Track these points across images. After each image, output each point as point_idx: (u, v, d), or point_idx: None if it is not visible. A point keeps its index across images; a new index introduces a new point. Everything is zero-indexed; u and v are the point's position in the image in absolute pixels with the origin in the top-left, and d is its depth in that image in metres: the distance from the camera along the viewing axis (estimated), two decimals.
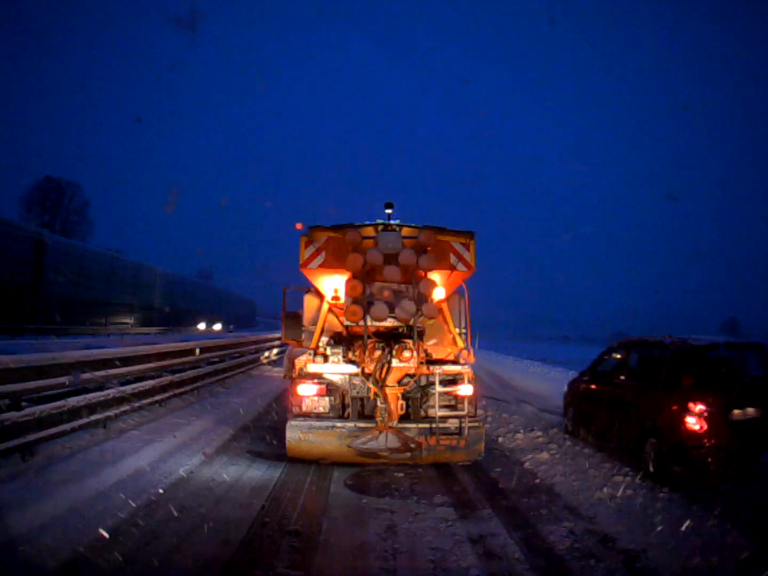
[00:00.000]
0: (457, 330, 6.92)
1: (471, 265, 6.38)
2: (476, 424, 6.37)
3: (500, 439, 8.37)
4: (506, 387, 14.98)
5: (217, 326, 39.80)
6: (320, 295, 6.99)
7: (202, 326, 38.99)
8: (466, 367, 6.54)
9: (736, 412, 6.08)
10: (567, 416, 8.85)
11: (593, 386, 8.30)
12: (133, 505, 4.93)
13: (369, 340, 6.18)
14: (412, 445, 6.08)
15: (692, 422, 5.98)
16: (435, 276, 6.29)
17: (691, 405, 6.02)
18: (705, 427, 5.95)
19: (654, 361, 7.08)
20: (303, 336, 7.44)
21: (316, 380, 6.52)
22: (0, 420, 5.28)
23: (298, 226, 6.27)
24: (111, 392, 7.39)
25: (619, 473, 6.22)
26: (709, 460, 5.94)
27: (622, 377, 7.64)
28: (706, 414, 5.97)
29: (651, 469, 6.32)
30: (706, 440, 5.95)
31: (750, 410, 6.12)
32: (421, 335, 6.42)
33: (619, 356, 8.03)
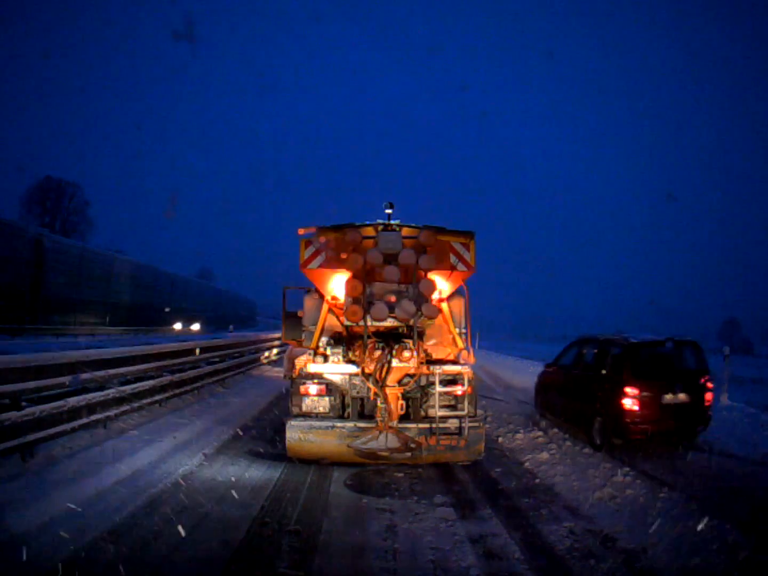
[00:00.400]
0: (457, 330, 6.92)
1: (471, 265, 6.38)
2: (476, 424, 6.36)
3: (500, 439, 8.37)
4: (506, 387, 15.00)
5: (195, 326, 35.85)
6: (320, 295, 6.99)
7: (178, 326, 34.98)
8: (466, 367, 6.54)
9: (668, 396, 7.45)
10: (537, 401, 10.28)
11: (556, 376, 9.69)
12: (133, 505, 4.94)
13: (369, 340, 6.18)
14: (412, 445, 6.08)
15: (628, 404, 7.38)
16: (435, 276, 6.29)
17: (627, 390, 7.41)
18: (639, 408, 7.35)
19: (603, 355, 8.34)
20: (303, 336, 7.45)
21: (316, 380, 6.52)
22: (0, 420, 5.28)
23: (301, 231, 6.26)
24: (111, 392, 7.39)
25: (618, 473, 6.22)
26: (643, 434, 7.35)
27: (578, 368, 8.95)
28: (639, 397, 7.37)
29: (598, 442, 7.72)
30: (640, 418, 7.36)
31: (681, 395, 7.49)
32: (421, 335, 6.43)
33: (576, 351, 9.31)
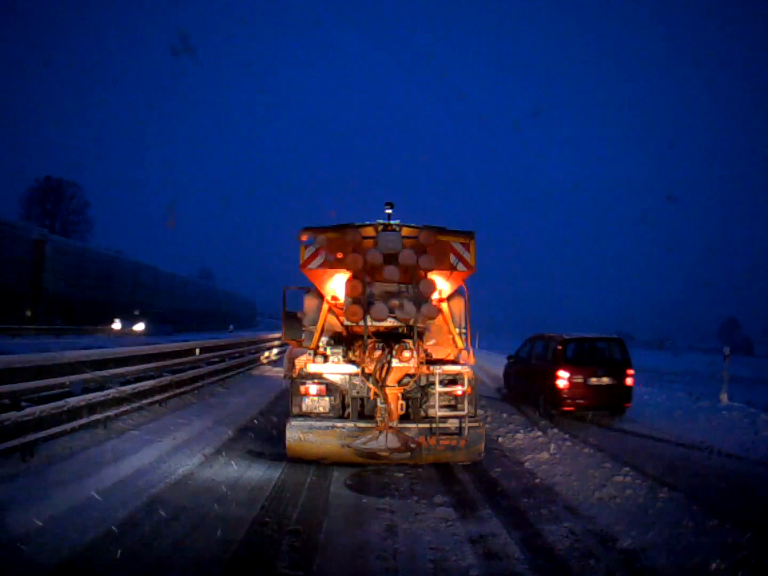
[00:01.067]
0: (457, 330, 6.92)
1: (471, 265, 6.37)
2: (476, 424, 6.36)
3: (500, 439, 8.37)
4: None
5: (139, 326, 29.07)
6: (320, 295, 6.99)
7: (117, 326, 28.46)
8: (466, 367, 6.54)
9: (593, 379, 9.81)
10: (504, 384, 13.15)
11: (515, 365, 12.35)
12: (133, 505, 4.94)
13: (369, 340, 6.18)
14: (412, 445, 6.08)
15: (561, 384, 9.76)
16: (435, 276, 6.28)
17: (559, 373, 9.81)
18: (569, 387, 9.73)
19: (546, 348, 10.85)
20: (303, 336, 7.44)
21: (316, 380, 6.52)
22: (0, 420, 5.28)
23: (303, 237, 6.24)
24: (111, 392, 7.39)
25: (618, 473, 6.22)
26: (573, 407, 9.87)
27: (530, 358, 11.47)
28: (569, 379, 9.73)
29: (541, 412, 10.25)
30: (570, 395, 9.77)
31: (605, 379, 9.87)
32: (421, 335, 6.42)
33: (530, 345, 11.80)
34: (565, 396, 9.75)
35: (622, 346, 10.43)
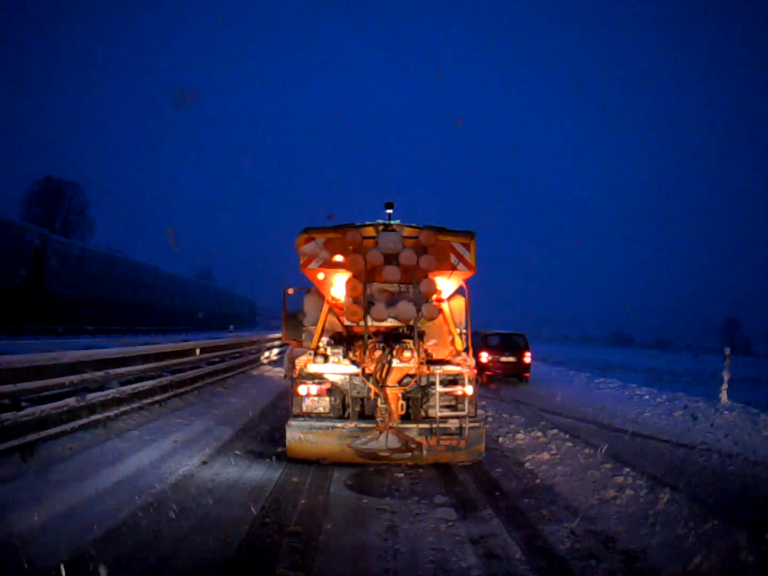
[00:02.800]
0: (458, 330, 6.92)
1: (471, 265, 6.38)
2: (476, 424, 6.36)
3: (500, 440, 8.36)
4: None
5: None
6: (320, 295, 6.99)
7: None
8: (467, 367, 6.54)
9: (503, 358, 16.19)
10: None
11: None
12: (133, 505, 4.93)
13: (369, 340, 6.18)
14: (413, 446, 6.08)
15: (483, 360, 15.71)
16: (435, 276, 6.29)
17: (482, 354, 15.68)
18: (488, 362, 16.05)
19: (479, 339, 15.97)
20: (303, 336, 7.45)
21: (316, 380, 6.53)
22: (0, 420, 5.27)
23: (303, 238, 6.22)
24: (111, 392, 7.37)
25: (619, 474, 6.22)
26: (492, 372, 16.15)
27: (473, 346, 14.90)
28: (488, 357, 16.07)
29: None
30: (489, 366, 16.10)
31: (510, 358, 16.21)
32: (421, 335, 6.43)
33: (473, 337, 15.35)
34: (486, 367, 15.85)
35: (524, 338, 16.81)
